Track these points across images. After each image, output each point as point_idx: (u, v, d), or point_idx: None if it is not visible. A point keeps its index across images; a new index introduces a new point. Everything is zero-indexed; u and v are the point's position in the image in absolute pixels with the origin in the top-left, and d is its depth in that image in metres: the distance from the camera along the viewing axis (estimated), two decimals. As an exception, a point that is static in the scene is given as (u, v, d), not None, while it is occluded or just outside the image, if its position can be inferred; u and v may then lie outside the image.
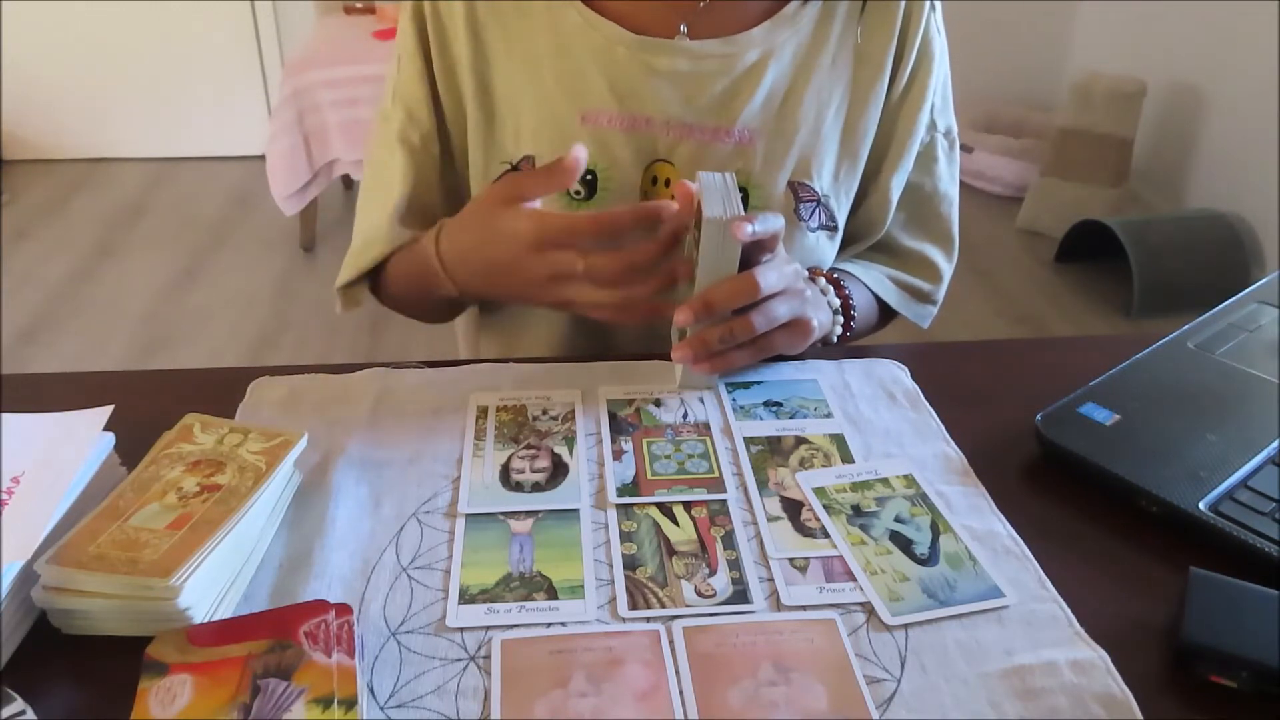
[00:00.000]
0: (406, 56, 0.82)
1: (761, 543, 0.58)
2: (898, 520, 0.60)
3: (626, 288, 0.65)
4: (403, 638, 0.51)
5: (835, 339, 0.81)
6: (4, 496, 0.53)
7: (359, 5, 3.20)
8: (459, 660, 0.50)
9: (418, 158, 0.84)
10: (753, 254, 0.68)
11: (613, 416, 0.69)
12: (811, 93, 0.82)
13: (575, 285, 0.66)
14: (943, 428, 0.69)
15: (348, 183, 3.16)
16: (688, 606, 0.53)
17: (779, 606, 0.54)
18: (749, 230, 0.64)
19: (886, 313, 0.93)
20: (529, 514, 0.60)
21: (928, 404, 0.72)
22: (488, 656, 0.50)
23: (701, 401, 0.71)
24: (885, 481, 0.64)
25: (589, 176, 0.80)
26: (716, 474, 0.64)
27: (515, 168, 0.82)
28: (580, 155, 0.64)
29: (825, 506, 0.61)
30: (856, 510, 0.61)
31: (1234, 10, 2.87)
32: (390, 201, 0.82)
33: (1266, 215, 2.75)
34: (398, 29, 0.83)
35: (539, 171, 0.66)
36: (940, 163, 0.90)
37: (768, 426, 0.69)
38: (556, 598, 0.54)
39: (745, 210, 0.66)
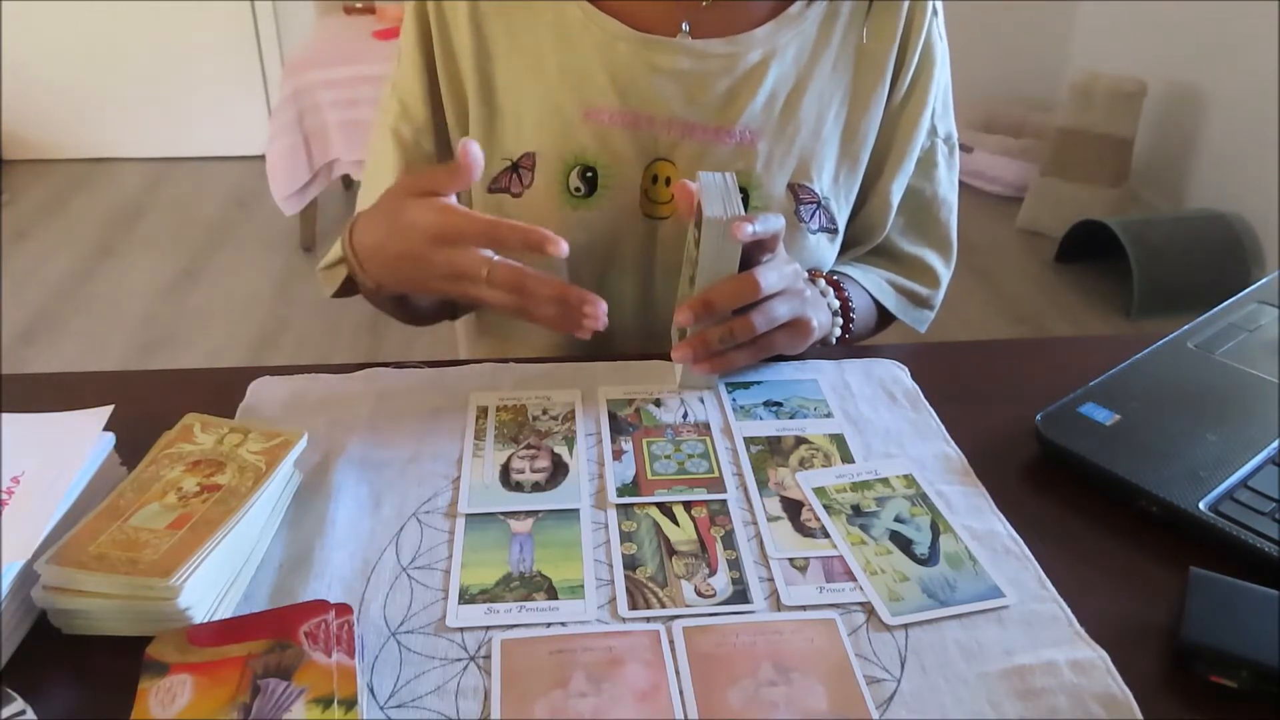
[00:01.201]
0: (407, 51, 0.83)
1: (761, 543, 0.58)
2: (898, 520, 0.60)
3: (525, 296, 0.64)
4: (403, 638, 0.51)
5: (834, 340, 0.81)
6: (4, 496, 0.53)
7: (359, 5, 3.20)
8: (459, 660, 0.50)
9: (408, 152, 0.84)
10: (753, 254, 0.68)
11: (613, 416, 0.69)
12: (813, 94, 0.82)
13: (476, 284, 0.65)
14: (943, 428, 0.69)
15: (348, 183, 3.16)
16: (688, 606, 0.53)
17: (779, 606, 0.54)
18: (749, 230, 0.64)
19: (884, 316, 0.93)
20: (529, 514, 0.60)
21: (928, 404, 0.72)
22: (488, 656, 0.50)
23: (701, 401, 0.71)
24: (885, 481, 0.64)
25: (590, 173, 0.80)
26: (716, 474, 0.64)
27: (515, 164, 0.82)
28: (474, 154, 0.64)
29: (825, 506, 0.61)
30: (856, 510, 0.61)
31: (1234, 10, 2.87)
32: (379, 190, 0.82)
33: (1266, 215, 2.75)
34: (402, 25, 0.84)
35: (442, 168, 0.66)
36: (940, 168, 0.90)
37: (768, 426, 0.69)
38: (556, 598, 0.54)
39: (745, 210, 0.66)
